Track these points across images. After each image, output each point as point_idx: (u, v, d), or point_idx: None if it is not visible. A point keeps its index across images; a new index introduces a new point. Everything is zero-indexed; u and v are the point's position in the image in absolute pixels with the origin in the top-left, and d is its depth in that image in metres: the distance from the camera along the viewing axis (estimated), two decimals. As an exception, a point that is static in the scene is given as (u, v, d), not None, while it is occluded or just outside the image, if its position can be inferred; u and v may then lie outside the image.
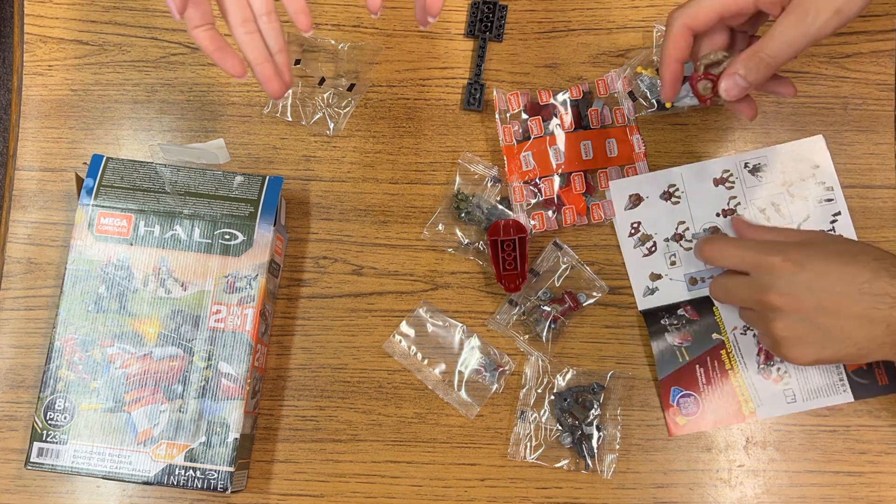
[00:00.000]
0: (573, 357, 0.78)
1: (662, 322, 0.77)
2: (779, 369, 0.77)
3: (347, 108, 0.82)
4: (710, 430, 0.76)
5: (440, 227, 0.80)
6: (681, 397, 0.76)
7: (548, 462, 0.76)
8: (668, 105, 0.77)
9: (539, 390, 0.77)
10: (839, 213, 0.79)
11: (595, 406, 0.76)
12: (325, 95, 0.82)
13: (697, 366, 0.77)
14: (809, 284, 0.65)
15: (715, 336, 0.77)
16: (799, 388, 0.76)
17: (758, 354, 0.77)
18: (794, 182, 0.79)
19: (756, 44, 0.65)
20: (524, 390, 0.77)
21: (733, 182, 0.80)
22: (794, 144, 0.80)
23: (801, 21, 0.62)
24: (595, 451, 0.75)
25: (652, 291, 0.79)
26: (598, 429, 0.76)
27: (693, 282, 0.78)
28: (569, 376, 0.77)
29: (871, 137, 0.81)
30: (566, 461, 0.76)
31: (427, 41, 0.83)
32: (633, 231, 0.79)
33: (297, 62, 0.82)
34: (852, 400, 0.76)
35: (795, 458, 0.76)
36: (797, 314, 0.65)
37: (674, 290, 0.78)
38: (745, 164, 0.80)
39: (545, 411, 0.76)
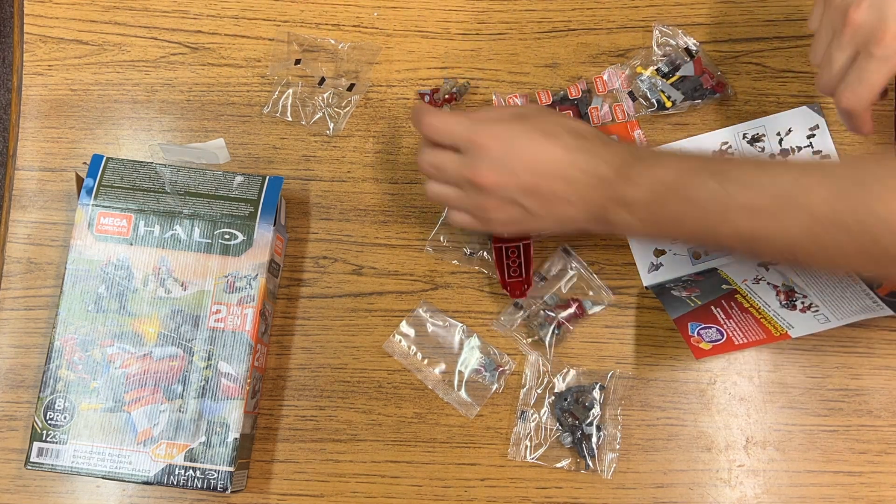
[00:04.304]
0: (573, 357, 0.78)
1: (667, 286, 0.77)
2: (803, 302, 0.74)
3: (347, 108, 0.82)
4: (739, 352, 0.75)
5: (442, 239, 0.80)
6: (701, 329, 0.74)
7: (548, 462, 0.76)
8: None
9: (539, 390, 0.77)
10: None
11: (595, 406, 0.76)
12: (324, 95, 0.82)
13: (712, 307, 0.75)
14: (513, 164, 0.67)
15: (725, 287, 0.75)
16: (830, 312, 0.73)
17: (777, 296, 0.75)
18: (792, 150, 0.80)
19: None
20: (524, 390, 0.77)
21: (732, 153, 0.80)
22: (790, 113, 0.80)
23: None
24: (595, 450, 0.75)
25: (656, 267, 0.78)
26: (599, 428, 0.76)
27: (697, 256, 0.78)
28: (569, 376, 0.77)
29: (870, 137, 0.80)
30: (566, 461, 0.76)
31: (427, 41, 0.83)
32: None
33: (298, 62, 0.82)
34: (892, 313, 0.70)
35: (795, 458, 0.76)
36: (503, 192, 0.67)
37: (678, 265, 0.78)
38: (744, 134, 0.80)
39: (545, 411, 0.76)
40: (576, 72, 0.83)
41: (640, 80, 0.81)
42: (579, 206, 0.67)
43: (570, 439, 0.75)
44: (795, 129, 0.80)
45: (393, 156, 0.82)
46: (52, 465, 0.70)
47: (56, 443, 0.71)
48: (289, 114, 0.82)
